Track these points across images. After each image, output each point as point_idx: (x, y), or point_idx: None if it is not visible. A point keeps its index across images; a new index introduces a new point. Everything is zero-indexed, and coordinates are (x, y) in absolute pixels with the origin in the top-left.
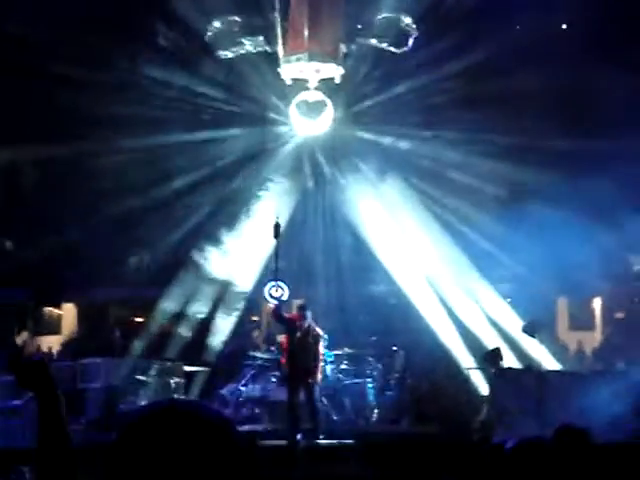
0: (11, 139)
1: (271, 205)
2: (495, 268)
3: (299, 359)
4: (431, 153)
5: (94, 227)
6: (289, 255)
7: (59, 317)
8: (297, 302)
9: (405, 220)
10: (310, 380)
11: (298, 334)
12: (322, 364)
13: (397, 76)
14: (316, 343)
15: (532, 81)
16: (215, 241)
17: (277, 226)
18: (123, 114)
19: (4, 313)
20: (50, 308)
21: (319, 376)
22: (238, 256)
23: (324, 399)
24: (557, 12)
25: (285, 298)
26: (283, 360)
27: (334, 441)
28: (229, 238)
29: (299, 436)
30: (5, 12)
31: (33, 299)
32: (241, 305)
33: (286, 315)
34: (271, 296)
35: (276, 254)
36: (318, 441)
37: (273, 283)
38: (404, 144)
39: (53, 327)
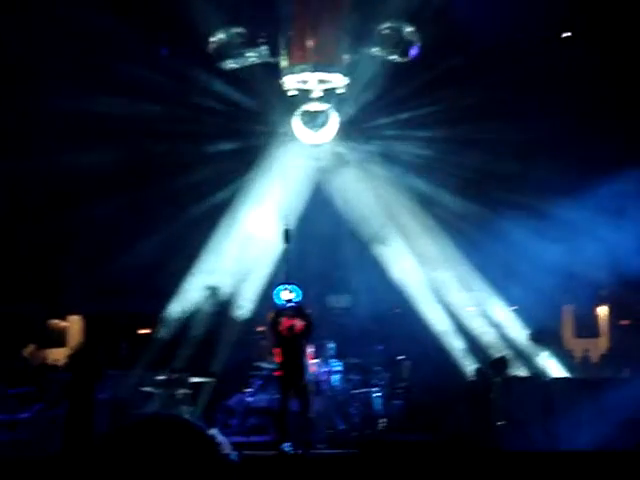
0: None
1: (276, 212)
2: (500, 275)
3: (289, 365)
4: (435, 155)
5: (100, 241)
6: (293, 262)
7: (65, 329)
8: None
9: (410, 225)
10: (300, 385)
11: (287, 340)
12: (310, 364)
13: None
14: (300, 341)
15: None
16: (220, 250)
17: (287, 231)
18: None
19: (10, 326)
20: (56, 320)
21: (309, 383)
22: (243, 265)
23: (328, 408)
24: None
25: (297, 300)
26: (278, 372)
27: (340, 450)
28: (233, 247)
29: (286, 446)
30: None
31: (39, 312)
32: (247, 315)
33: (279, 326)
34: (282, 299)
35: (286, 259)
36: (320, 451)
37: (284, 286)
38: (407, 148)
39: (59, 339)
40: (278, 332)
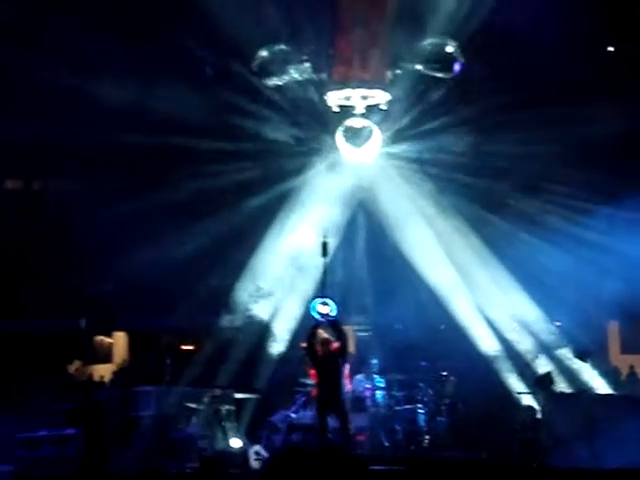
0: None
1: (318, 226)
2: (545, 291)
3: (324, 384)
4: (480, 179)
5: (148, 261)
6: (338, 280)
7: (110, 345)
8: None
9: (454, 243)
10: (335, 403)
11: (323, 359)
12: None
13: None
14: (336, 360)
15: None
16: (263, 264)
17: (325, 245)
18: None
19: (57, 342)
20: (101, 337)
21: (345, 401)
22: (288, 283)
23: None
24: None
25: (333, 314)
26: (314, 392)
27: (385, 467)
28: (277, 261)
29: None
30: None
31: (85, 328)
32: (292, 331)
33: (315, 343)
34: (318, 313)
35: (324, 272)
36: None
37: (320, 300)
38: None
39: (105, 355)
40: (314, 351)
